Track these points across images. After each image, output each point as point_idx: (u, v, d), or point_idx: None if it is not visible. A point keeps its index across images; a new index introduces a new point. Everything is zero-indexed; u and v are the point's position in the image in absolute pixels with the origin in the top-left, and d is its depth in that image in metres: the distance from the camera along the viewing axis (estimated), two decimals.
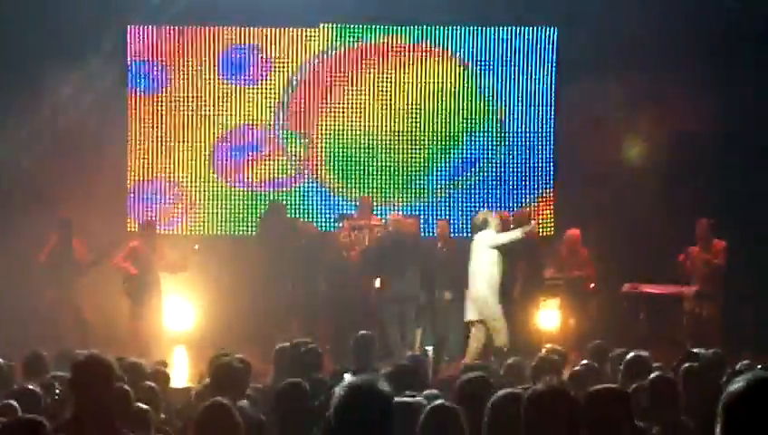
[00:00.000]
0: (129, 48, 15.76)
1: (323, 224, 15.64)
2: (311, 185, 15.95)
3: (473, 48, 16.08)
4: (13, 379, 8.12)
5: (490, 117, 16.10)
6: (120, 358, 7.87)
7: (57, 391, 7.62)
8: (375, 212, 14.93)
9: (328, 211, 15.84)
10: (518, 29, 16.06)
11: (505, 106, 16.10)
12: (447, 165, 16.09)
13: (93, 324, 13.55)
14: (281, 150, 15.93)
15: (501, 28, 16.07)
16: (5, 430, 5.02)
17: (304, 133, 15.93)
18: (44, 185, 14.43)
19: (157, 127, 15.83)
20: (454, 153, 16.09)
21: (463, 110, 16.08)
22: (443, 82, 16.06)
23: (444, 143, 16.08)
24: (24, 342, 9.87)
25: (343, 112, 15.98)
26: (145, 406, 6.52)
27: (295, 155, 15.93)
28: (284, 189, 15.89)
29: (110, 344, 11.23)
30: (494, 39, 16.09)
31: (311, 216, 15.76)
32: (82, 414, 5.47)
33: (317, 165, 15.98)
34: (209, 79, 15.85)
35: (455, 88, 16.08)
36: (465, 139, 16.09)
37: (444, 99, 16.05)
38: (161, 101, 15.83)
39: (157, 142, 15.83)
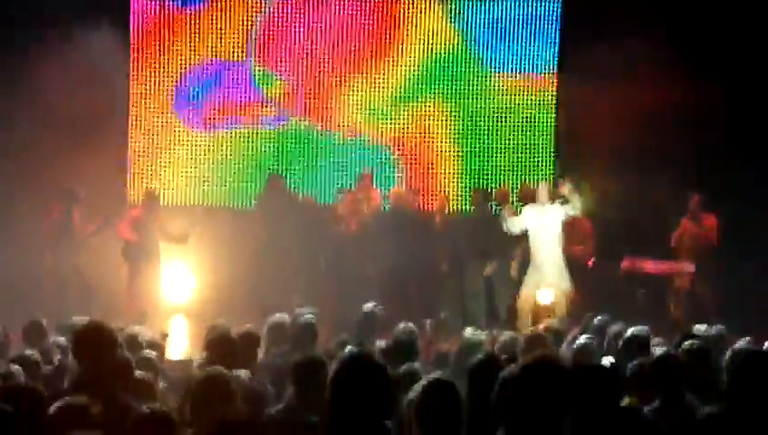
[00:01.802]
0: (132, 21, 15.68)
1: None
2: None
3: (473, 19, 15.91)
4: (8, 347, 8.14)
5: (489, 87, 16.01)
6: (120, 328, 7.90)
7: (58, 357, 7.65)
8: (375, 186, 14.94)
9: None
10: (520, 1, 15.98)
11: (506, 78, 16.01)
12: (442, 142, 16.03)
13: (95, 291, 13.58)
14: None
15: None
16: (3, 398, 5.02)
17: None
18: (42, 157, 14.29)
19: (157, 98, 15.78)
20: (450, 121, 15.98)
21: (460, 81, 15.94)
22: (439, 50, 15.85)
23: (439, 108, 15.95)
24: (24, 310, 9.86)
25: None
26: (147, 374, 6.53)
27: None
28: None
29: (109, 312, 11.24)
30: (496, 10, 15.95)
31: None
32: (83, 382, 5.48)
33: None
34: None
35: (452, 57, 15.89)
36: (462, 108, 15.99)
37: (440, 67, 15.88)
38: (164, 62, 15.76)
39: (157, 114, 15.77)
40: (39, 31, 14.42)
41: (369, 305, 9.45)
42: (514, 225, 13.04)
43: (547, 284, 12.83)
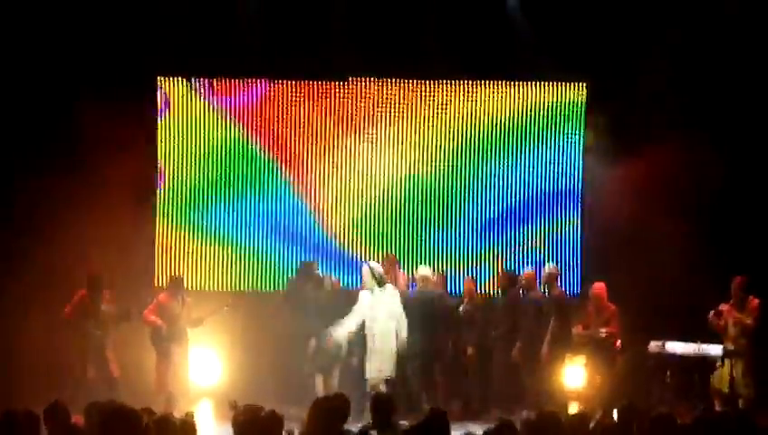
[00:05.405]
0: (159, 98, 15.86)
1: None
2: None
3: (498, 103, 16.05)
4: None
5: (516, 173, 16.10)
6: (149, 411, 7.92)
7: None
8: (401, 269, 14.97)
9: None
10: (545, 85, 16.05)
11: (532, 162, 16.10)
12: (468, 223, 16.10)
13: (119, 379, 13.52)
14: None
15: (528, 83, 16.04)
16: None
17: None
18: (69, 239, 14.44)
19: (187, 179, 15.95)
20: (475, 210, 16.09)
21: (487, 166, 16.06)
22: (466, 138, 16.00)
23: (465, 200, 16.08)
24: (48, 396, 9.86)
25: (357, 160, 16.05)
26: None
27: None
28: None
29: (136, 398, 11.24)
30: (521, 95, 16.08)
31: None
32: None
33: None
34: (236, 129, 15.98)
35: (478, 144, 16.02)
36: (487, 195, 16.08)
37: (466, 155, 16.01)
38: (192, 153, 15.94)
39: (187, 193, 15.94)
40: (70, 110, 14.67)
41: (379, 390, 9.35)
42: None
43: (377, 368, 12.42)
